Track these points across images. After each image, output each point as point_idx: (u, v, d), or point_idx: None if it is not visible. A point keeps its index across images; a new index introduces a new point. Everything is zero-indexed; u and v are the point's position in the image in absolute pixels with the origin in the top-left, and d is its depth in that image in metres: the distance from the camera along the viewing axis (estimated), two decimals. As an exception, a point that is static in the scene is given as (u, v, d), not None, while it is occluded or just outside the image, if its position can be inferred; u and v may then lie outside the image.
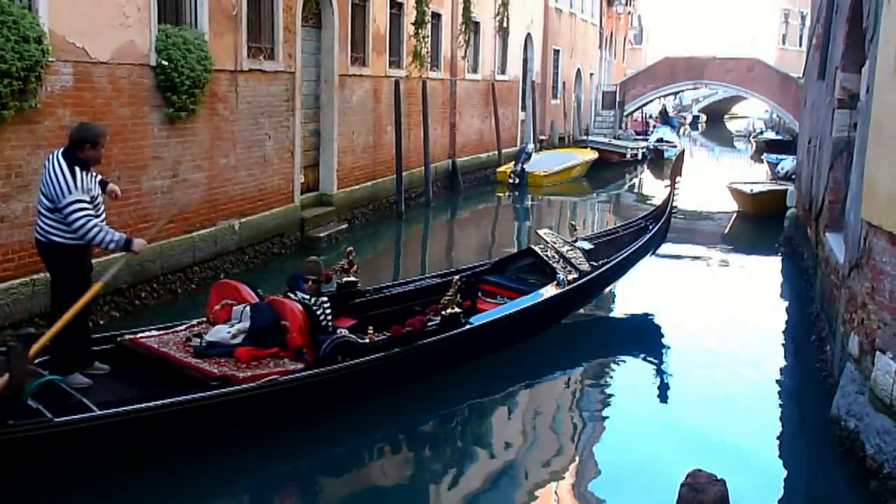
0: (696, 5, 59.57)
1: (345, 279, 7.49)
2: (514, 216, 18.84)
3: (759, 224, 15.91)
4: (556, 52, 27.88)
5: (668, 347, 8.42)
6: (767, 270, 12.63)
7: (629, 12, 43.27)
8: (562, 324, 8.32)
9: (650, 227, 9.44)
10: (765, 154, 26.29)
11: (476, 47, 20.31)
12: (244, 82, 10.37)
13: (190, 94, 9.00)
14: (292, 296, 6.37)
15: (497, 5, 21.29)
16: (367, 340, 6.34)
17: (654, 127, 37.24)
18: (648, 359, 8.16)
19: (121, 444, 5.22)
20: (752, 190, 16.75)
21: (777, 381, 7.57)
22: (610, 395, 7.28)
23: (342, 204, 13.49)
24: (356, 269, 7.54)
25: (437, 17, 17.62)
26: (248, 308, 6.21)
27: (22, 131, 6.99)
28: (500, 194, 20.05)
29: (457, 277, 7.13)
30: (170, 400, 5.24)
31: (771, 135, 34.78)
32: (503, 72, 22.62)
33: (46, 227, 5.51)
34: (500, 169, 21.00)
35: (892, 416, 5.02)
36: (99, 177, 5.82)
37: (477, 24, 19.93)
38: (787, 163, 20.47)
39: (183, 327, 6.39)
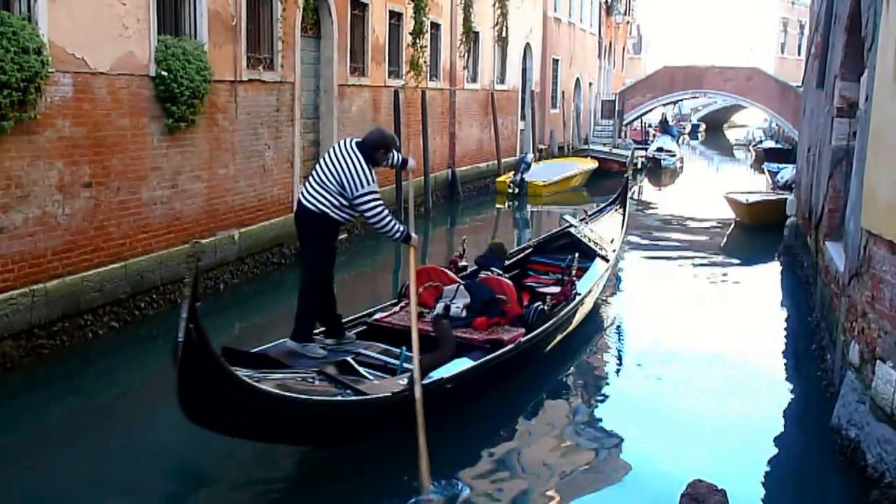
0: (695, 15, 59.85)
1: (460, 264, 8.43)
2: (514, 226, 18.83)
3: (757, 233, 15.88)
4: (556, 61, 27.95)
5: (667, 356, 8.37)
6: (767, 280, 12.61)
7: (628, 22, 43.46)
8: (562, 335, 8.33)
9: (623, 212, 11.18)
10: (765, 163, 26.30)
11: (475, 57, 20.36)
12: (243, 93, 10.40)
13: (189, 104, 9.02)
14: (489, 273, 7.52)
15: (496, 15, 21.35)
16: (545, 308, 7.29)
17: (654, 136, 37.27)
18: (646, 368, 8.11)
19: (450, 402, 5.91)
20: (747, 199, 16.69)
21: (777, 391, 7.55)
22: (607, 406, 7.24)
23: (342, 214, 13.46)
24: (465, 255, 8.58)
25: (436, 26, 17.66)
26: (461, 287, 7.14)
27: (21, 142, 6.99)
28: (500, 204, 20.06)
29: (572, 257, 8.54)
30: (487, 357, 6.24)
31: (770, 144, 34.80)
32: (502, 81, 22.67)
33: (321, 200, 6.04)
34: (499, 179, 21.01)
35: (893, 426, 4.99)
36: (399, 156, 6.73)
37: (476, 33, 19.97)
38: (788, 172, 20.48)
39: (397, 308, 7.23)
